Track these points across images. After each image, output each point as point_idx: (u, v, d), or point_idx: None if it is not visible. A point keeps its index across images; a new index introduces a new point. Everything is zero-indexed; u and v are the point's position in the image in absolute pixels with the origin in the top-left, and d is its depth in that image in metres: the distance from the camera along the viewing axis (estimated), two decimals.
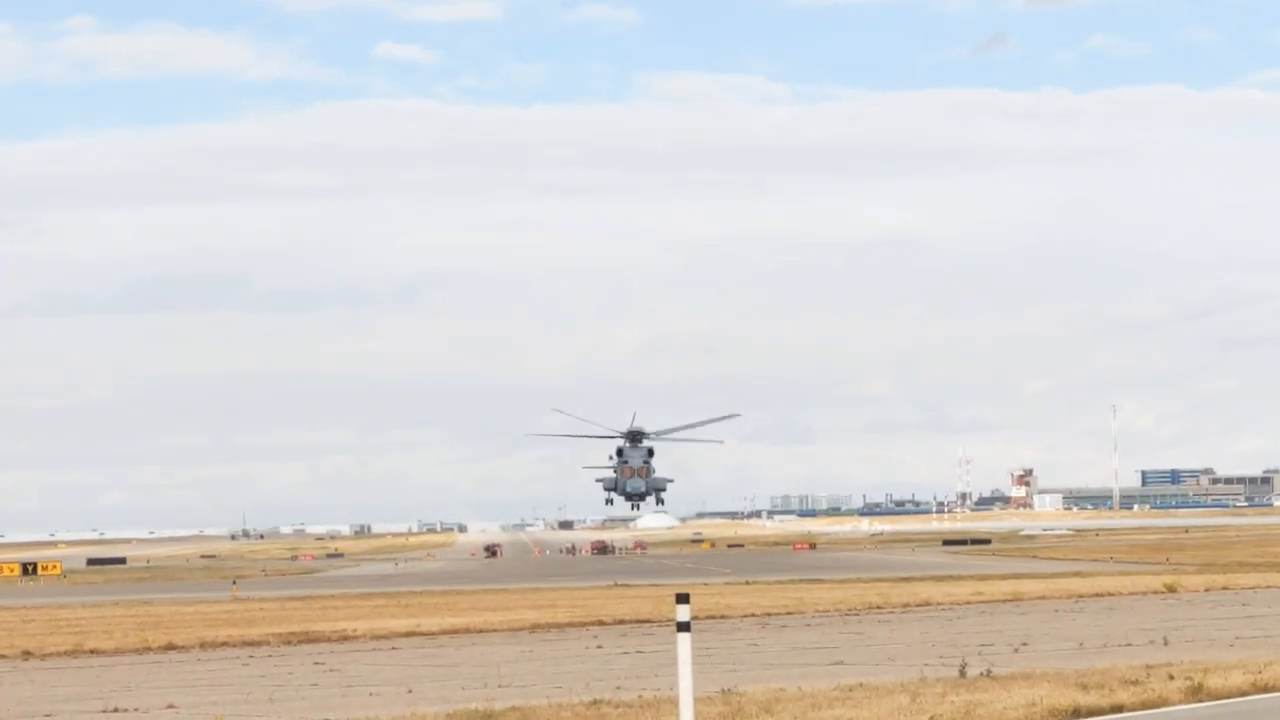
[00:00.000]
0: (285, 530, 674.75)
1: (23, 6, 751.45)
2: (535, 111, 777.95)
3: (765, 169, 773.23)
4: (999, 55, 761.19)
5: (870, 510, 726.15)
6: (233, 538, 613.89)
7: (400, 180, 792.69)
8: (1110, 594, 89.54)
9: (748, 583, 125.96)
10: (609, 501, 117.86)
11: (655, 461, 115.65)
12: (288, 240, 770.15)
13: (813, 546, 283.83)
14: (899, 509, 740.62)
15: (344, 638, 68.65)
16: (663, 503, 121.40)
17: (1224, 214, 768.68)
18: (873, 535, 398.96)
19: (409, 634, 70.00)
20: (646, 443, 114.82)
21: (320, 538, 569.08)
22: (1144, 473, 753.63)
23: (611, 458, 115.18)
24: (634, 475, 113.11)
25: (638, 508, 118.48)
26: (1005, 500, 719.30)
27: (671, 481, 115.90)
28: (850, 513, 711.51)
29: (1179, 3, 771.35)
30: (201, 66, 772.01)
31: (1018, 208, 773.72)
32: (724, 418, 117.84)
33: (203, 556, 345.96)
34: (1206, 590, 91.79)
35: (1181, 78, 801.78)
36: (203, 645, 66.15)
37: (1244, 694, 35.11)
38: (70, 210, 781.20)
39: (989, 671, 40.79)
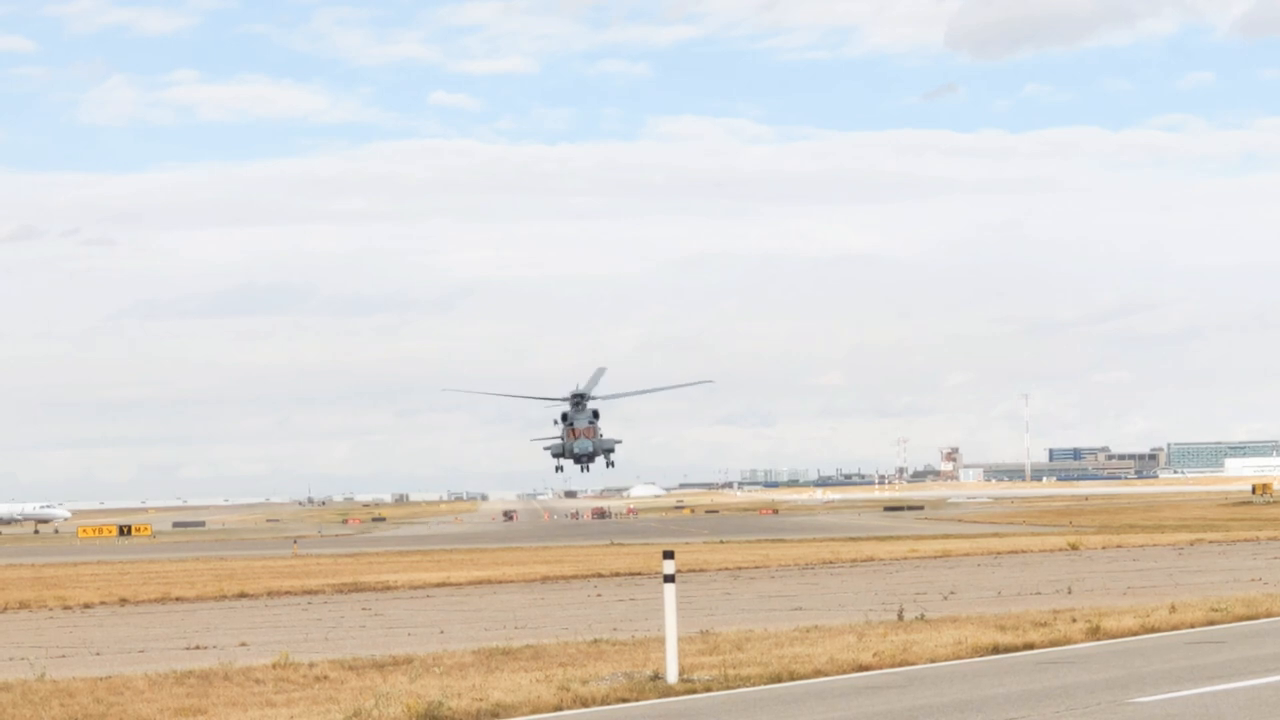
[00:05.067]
0: (337, 498, 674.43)
1: (137, 61, 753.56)
2: (560, 149, 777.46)
3: (748, 196, 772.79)
4: (947, 101, 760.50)
5: (824, 481, 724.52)
6: (300, 504, 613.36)
7: (445, 206, 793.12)
8: (1023, 551, 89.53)
9: (722, 542, 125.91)
10: (559, 468, 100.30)
11: (609, 426, 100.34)
12: (348, 256, 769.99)
13: (776, 512, 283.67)
14: (847, 480, 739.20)
15: (386, 588, 68.59)
16: (612, 464, 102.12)
17: (1128, 234, 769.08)
18: (825, 503, 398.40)
19: (440, 584, 69.96)
20: (591, 404, 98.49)
21: (366, 505, 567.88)
22: (1051, 450, 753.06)
23: (557, 423, 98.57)
24: (580, 437, 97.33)
25: (587, 469, 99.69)
26: (936, 473, 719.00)
27: (619, 442, 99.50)
28: (807, 484, 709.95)
29: (1098, 58, 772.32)
30: (284, 111, 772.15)
31: (958, 230, 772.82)
32: (696, 383, 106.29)
33: (269, 520, 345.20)
34: (1103, 548, 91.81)
35: (1099, 120, 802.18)
36: (269, 594, 66.10)
37: (1134, 634, 35.18)
38: (167, 231, 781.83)
39: (923, 615, 40.82)
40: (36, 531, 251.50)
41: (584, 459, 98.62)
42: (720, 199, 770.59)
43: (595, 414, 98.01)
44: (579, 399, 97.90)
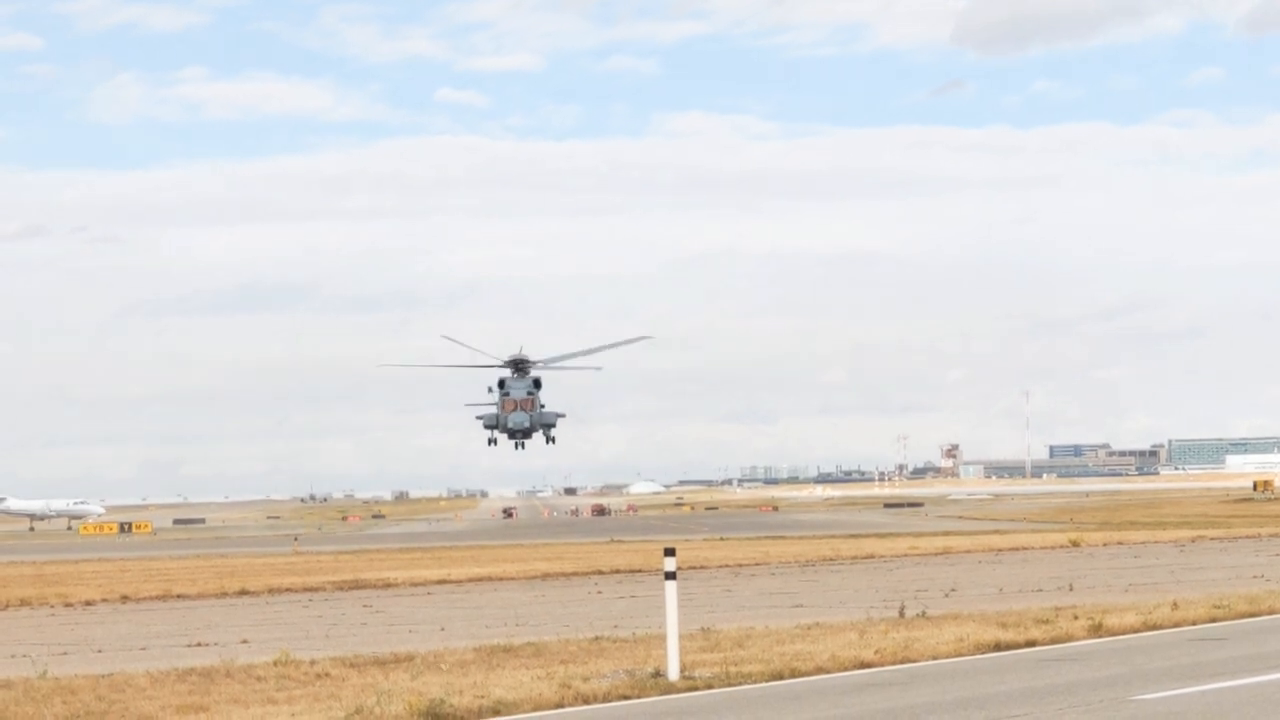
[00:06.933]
0: (337, 496, 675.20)
1: (146, 59, 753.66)
2: (567, 145, 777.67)
3: (753, 193, 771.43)
4: (954, 98, 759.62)
5: (824, 479, 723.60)
6: (300, 501, 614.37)
7: (452, 203, 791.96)
8: (1024, 548, 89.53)
9: (722, 539, 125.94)
10: (491, 442, 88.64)
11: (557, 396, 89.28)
12: (354, 254, 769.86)
13: (776, 509, 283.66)
14: (848, 478, 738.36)
15: (387, 585, 68.60)
16: (552, 440, 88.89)
17: (1135, 230, 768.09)
18: (826, 500, 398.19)
19: (441, 581, 69.97)
20: (533, 372, 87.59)
21: (366, 502, 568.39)
22: (1052, 447, 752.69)
23: (491, 390, 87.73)
24: (517, 409, 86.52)
25: (523, 446, 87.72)
26: (936, 470, 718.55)
27: (562, 416, 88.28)
28: (807, 481, 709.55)
29: (1107, 54, 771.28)
30: (292, 108, 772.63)
31: (964, 227, 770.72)
32: (633, 340, 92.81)
33: (269, 517, 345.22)
34: (1104, 545, 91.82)
35: (1107, 117, 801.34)
36: (270, 591, 66.12)
37: (1136, 631, 35.18)
38: (175, 228, 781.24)
39: (924, 613, 40.82)
40: (69, 528, 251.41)
41: (519, 434, 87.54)
42: (726, 195, 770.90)
43: (536, 383, 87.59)
44: (518, 365, 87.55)
